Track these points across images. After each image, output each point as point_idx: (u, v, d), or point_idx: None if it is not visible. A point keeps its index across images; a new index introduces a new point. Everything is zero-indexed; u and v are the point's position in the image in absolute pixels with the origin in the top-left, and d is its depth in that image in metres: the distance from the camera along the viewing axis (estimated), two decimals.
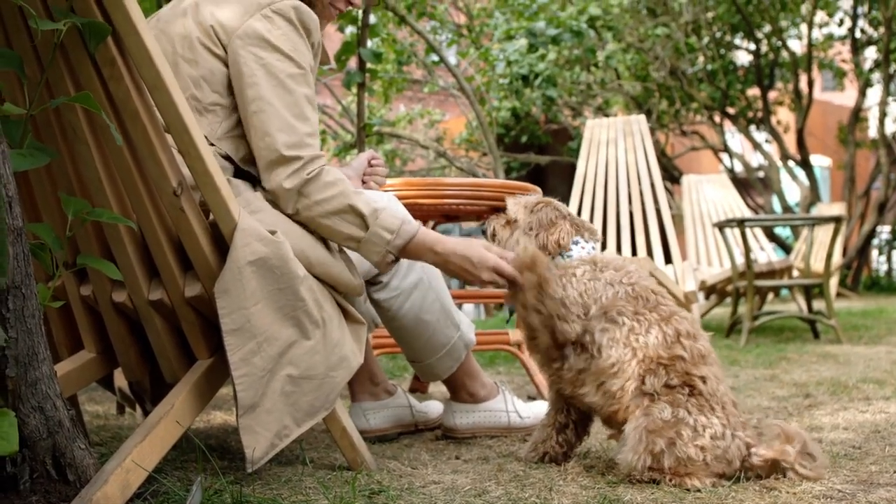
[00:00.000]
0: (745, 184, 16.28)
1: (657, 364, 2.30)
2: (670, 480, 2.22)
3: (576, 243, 2.58)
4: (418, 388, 3.97)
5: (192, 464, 2.57)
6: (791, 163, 15.98)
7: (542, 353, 2.49)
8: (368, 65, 6.14)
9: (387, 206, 2.45)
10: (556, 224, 2.60)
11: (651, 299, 2.41)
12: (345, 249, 2.53)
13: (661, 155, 15.00)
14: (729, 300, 8.60)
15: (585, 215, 5.69)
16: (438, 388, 4.09)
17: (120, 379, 2.75)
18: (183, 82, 2.39)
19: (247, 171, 2.46)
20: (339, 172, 2.41)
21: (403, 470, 2.50)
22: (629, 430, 2.29)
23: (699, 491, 2.18)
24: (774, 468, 2.28)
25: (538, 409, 3.05)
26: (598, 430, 2.69)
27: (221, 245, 2.21)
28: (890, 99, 15.35)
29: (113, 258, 2.22)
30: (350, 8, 2.76)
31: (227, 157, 2.43)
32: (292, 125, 2.35)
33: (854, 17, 15.62)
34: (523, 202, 2.68)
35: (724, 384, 2.34)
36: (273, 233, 2.24)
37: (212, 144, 2.40)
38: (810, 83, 15.50)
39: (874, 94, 17.57)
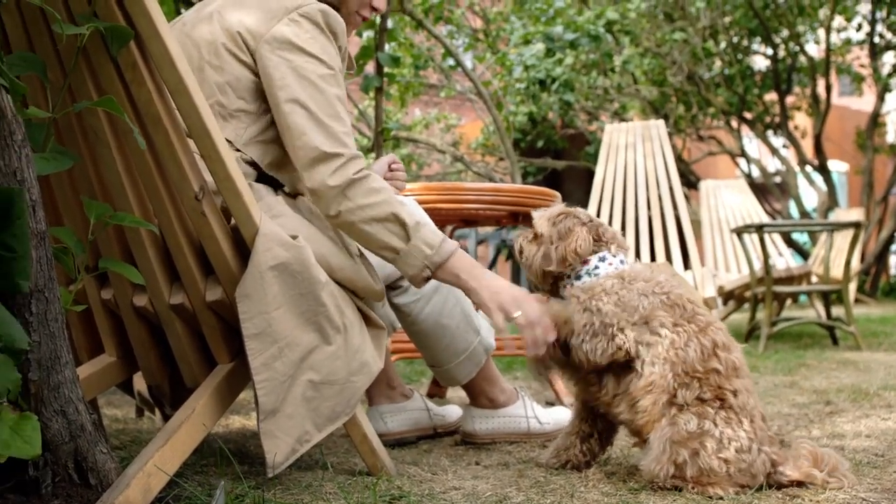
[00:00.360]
0: (762, 189, 16.23)
1: (692, 377, 2.28)
2: (693, 488, 2.21)
3: (602, 259, 2.49)
4: (437, 393, 3.96)
5: (213, 468, 2.57)
6: (809, 168, 15.93)
7: (582, 380, 2.47)
8: (386, 69, 6.14)
9: (429, 221, 2.44)
10: (573, 231, 2.54)
11: (688, 308, 2.37)
12: (365, 254, 2.52)
13: (678, 160, 14.97)
14: (747, 306, 8.57)
15: (604, 220, 5.68)
16: (457, 393, 4.08)
17: (139, 383, 2.76)
18: (209, 88, 2.39)
19: (271, 176, 2.45)
20: (382, 179, 2.39)
21: (423, 475, 2.49)
22: (653, 439, 2.27)
23: (721, 498, 2.17)
24: (801, 486, 2.27)
25: (558, 416, 3.04)
26: (620, 436, 2.68)
27: (243, 249, 2.21)
28: None
29: (134, 262, 2.22)
30: (374, 14, 2.76)
31: (251, 163, 2.42)
32: (328, 124, 2.34)
33: (872, 22, 15.56)
34: (547, 215, 2.61)
35: (754, 397, 2.32)
36: (294, 238, 2.23)
37: (237, 150, 2.39)
38: (828, 88, 15.45)
39: (892, 99, 17.51)
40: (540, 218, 2.59)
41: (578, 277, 2.49)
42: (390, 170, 2.96)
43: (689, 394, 2.26)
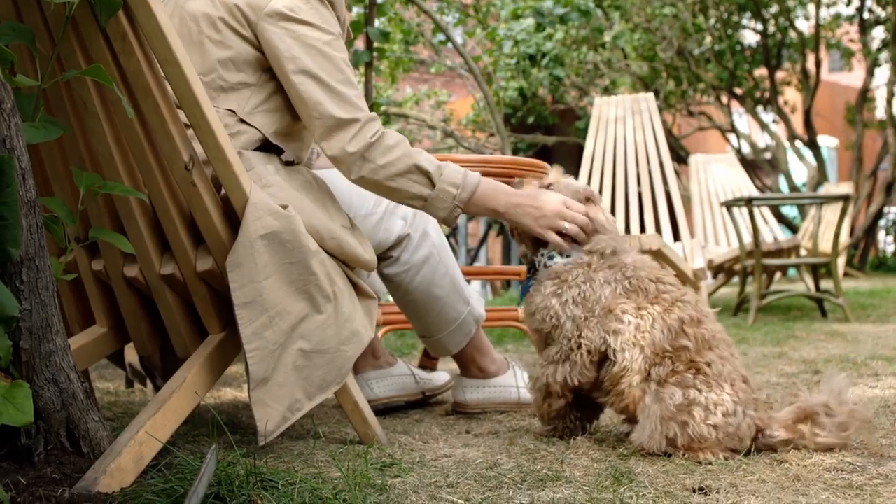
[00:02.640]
0: (752, 164, 16.23)
1: (663, 357, 2.32)
2: (683, 455, 2.24)
3: (551, 258, 2.55)
4: (428, 364, 3.97)
5: (205, 438, 2.58)
6: (798, 143, 15.95)
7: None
8: (376, 44, 6.12)
9: (447, 161, 2.50)
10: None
11: (651, 290, 2.40)
12: (356, 225, 2.53)
13: (669, 135, 14.96)
14: (736, 279, 8.60)
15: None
16: (448, 365, 4.09)
17: (130, 355, 2.76)
18: (210, 63, 2.39)
19: (275, 145, 2.46)
20: (397, 133, 2.44)
21: (415, 444, 2.51)
22: (642, 419, 2.32)
23: (710, 464, 2.19)
24: (789, 445, 2.30)
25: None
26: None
27: (233, 219, 2.21)
28: None
29: (125, 233, 2.22)
30: None
31: (257, 134, 2.43)
32: (340, 90, 2.38)
33: None
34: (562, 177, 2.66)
35: (731, 363, 2.34)
36: (285, 207, 2.24)
37: (242, 121, 2.40)
38: (818, 63, 15.45)
39: (882, 74, 17.50)
40: (563, 186, 2.62)
41: (552, 257, 2.54)
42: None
43: (663, 370, 2.31)
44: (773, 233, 8.61)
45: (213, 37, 2.41)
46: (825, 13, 16.24)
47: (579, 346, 2.42)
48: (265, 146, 2.45)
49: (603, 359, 2.42)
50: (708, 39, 15.36)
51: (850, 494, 1.93)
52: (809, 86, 15.61)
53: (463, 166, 3.36)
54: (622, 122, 5.83)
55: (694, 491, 1.96)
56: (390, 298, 3.05)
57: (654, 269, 2.47)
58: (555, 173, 2.67)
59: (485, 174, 3.37)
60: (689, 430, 2.23)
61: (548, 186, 2.62)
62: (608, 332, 2.38)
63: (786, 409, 2.36)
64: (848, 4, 15.98)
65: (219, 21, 2.41)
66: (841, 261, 11.05)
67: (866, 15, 15.79)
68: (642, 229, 5.59)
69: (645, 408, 2.31)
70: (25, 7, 1.96)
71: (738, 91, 16.03)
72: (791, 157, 16.02)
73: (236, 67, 2.41)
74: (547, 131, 16.23)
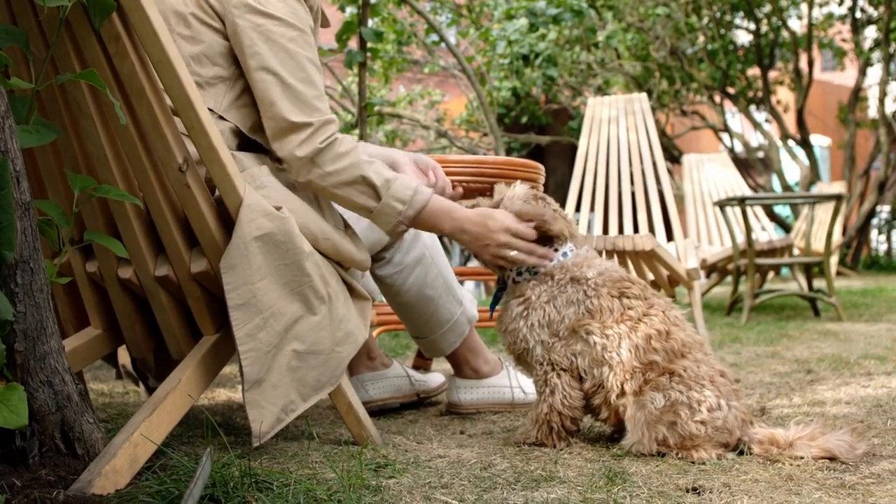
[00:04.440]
0: (745, 164, 16.25)
1: (633, 372, 2.33)
2: (677, 454, 2.25)
3: (519, 273, 2.53)
4: (422, 365, 3.98)
5: (200, 439, 2.58)
6: (791, 142, 15.96)
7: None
8: (369, 44, 6.12)
9: (399, 175, 2.44)
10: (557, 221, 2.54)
11: (615, 309, 2.38)
12: (350, 225, 2.54)
13: (662, 135, 14.98)
14: (730, 279, 8.61)
15: (587, 193, 5.69)
16: (442, 366, 4.10)
17: (123, 356, 2.77)
18: (183, 60, 2.39)
19: (255, 140, 2.45)
20: (352, 141, 2.41)
21: (409, 445, 2.52)
22: (630, 427, 2.33)
23: (704, 464, 2.20)
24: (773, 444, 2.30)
25: None
26: None
27: (227, 221, 2.22)
28: (890, 78, 15.31)
29: (119, 235, 2.22)
30: None
31: (235, 130, 2.42)
32: (298, 90, 2.35)
33: None
34: (519, 194, 2.58)
35: (706, 364, 2.35)
36: (279, 208, 2.24)
37: (221, 118, 2.40)
38: (810, 63, 15.47)
39: (874, 73, 17.54)
40: (510, 199, 2.56)
41: (520, 272, 2.53)
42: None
43: (635, 383, 2.33)
44: (766, 232, 8.63)
45: (184, 33, 2.39)
46: (817, 13, 16.27)
47: (553, 369, 2.43)
48: (253, 145, 2.45)
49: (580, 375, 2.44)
50: (701, 39, 15.37)
51: (842, 493, 1.94)
52: (802, 85, 15.63)
53: (458, 167, 3.39)
54: (615, 122, 5.84)
55: (687, 491, 1.96)
56: (384, 299, 3.05)
57: (617, 282, 2.44)
58: (500, 188, 2.63)
59: (478, 174, 3.40)
60: (677, 428, 2.25)
61: (497, 205, 2.58)
62: (575, 354, 2.40)
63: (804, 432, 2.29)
64: (840, 4, 15.99)
65: (189, 17, 2.40)
66: (834, 260, 11.06)
67: (858, 14, 15.81)
68: (635, 229, 5.60)
69: (630, 418, 2.32)
70: (19, 10, 1.96)
71: (731, 90, 16.04)
72: (784, 156, 16.03)
73: (210, 61, 2.40)
74: (540, 131, 16.23)
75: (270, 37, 2.35)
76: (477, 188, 3.52)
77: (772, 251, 7.49)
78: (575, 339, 2.40)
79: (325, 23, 2.68)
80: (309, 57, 2.39)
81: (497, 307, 2.61)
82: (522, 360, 2.53)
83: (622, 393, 2.34)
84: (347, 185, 2.38)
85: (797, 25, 17.64)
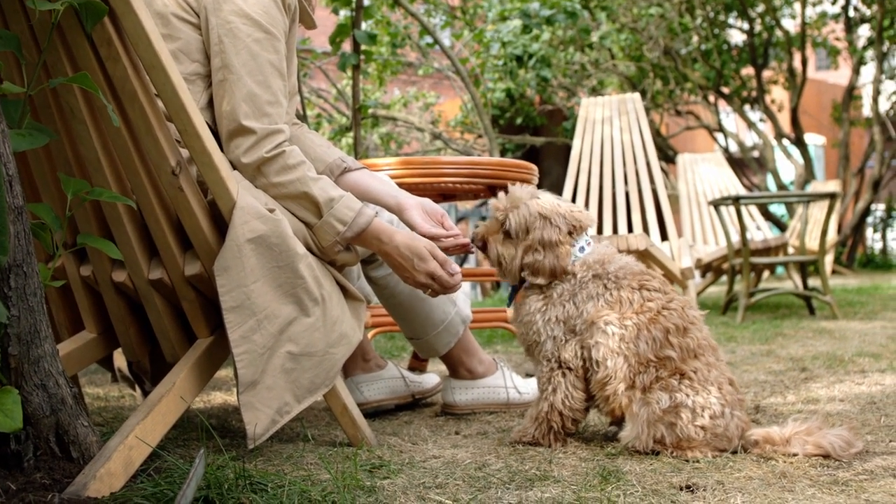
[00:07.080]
0: (739, 163, 16.26)
1: (647, 365, 2.34)
2: (672, 454, 2.26)
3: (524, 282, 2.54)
4: (417, 366, 3.99)
5: (194, 442, 2.59)
6: (785, 141, 15.97)
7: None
8: (363, 47, 6.13)
9: (345, 195, 2.41)
10: (561, 246, 2.51)
11: (635, 301, 2.40)
12: None
13: (656, 135, 14.99)
14: (725, 278, 8.62)
15: (581, 194, 5.70)
16: (437, 367, 4.10)
17: (119, 359, 2.77)
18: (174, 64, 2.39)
19: None
20: (300, 154, 2.38)
21: (404, 445, 2.52)
22: (630, 422, 2.34)
23: (697, 462, 2.21)
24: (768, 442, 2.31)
25: (536, 385, 3.07)
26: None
27: (220, 223, 2.22)
28: (883, 77, 15.34)
29: (112, 238, 2.23)
30: None
31: (212, 129, 2.41)
32: (254, 93, 2.33)
33: None
34: (522, 215, 2.52)
35: (718, 369, 2.36)
36: (272, 210, 2.25)
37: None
38: (804, 62, 15.48)
39: (868, 72, 17.56)
40: (514, 215, 2.53)
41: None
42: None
43: (647, 377, 2.33)
44: (761, 231, 8.64)
45: (162, 31, 2.38)
46: (811, 12, 16.29)
47: (559, 367, 2.44)
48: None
49: (588, 370, 2.44)
50: (695, 39, 15.37)
51: (835, 490, 1.94)
52: (796, 84, 15.63)
53: (452, 168, 3.39)
54: (609, 123, 5.85)
55: (681, 489, 1.97)
56: (378, 302, 3.05)
57: (638, 275, 2.45)
58: (516, 193, 2.57)
59: (472, 176, 3.41)
60: (676, 430, 2.26)
61: (508, 236, 2.54)
62: (591, 344, 2.39)
63: (801, 428, 2.31)
64: (833, 3, 16.00)
65: (170, 16, 2.39)
66: (828, 258, 11.09)
67: (852, 13, 15.83)
68: (630, 229, 5.61)
69: (633, 414, 2.33)
70: (11, 14, 1.96)
71: (725, 90, 16.05)
72: (778, 155, 16.05)
73: (188, 57, 2.40)
74: (535, 132, 16.23)
75: (237, 34, 2.34)
76: (471, 189, 3.53)
77: (767, 250, 7.50)
78: (592, 330, 2.40)
79: (311, 24, 2.67)
80: (271, 61, 2.37)
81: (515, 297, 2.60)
82: (531, 352, 2.54)
83: (632, 385, 2.34)
84: (290, 198, 2.35)
85: (791, 25, 17.67)
